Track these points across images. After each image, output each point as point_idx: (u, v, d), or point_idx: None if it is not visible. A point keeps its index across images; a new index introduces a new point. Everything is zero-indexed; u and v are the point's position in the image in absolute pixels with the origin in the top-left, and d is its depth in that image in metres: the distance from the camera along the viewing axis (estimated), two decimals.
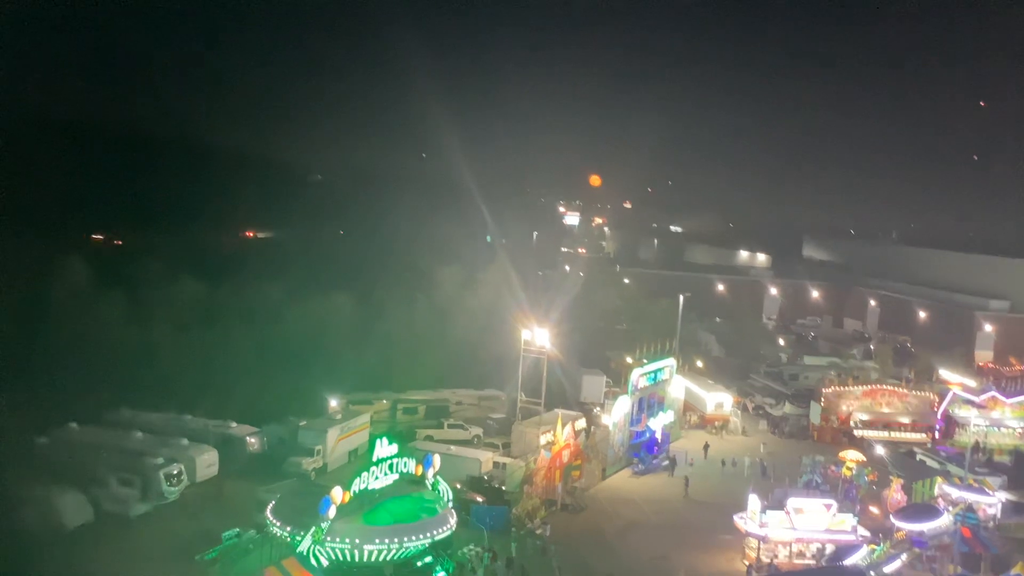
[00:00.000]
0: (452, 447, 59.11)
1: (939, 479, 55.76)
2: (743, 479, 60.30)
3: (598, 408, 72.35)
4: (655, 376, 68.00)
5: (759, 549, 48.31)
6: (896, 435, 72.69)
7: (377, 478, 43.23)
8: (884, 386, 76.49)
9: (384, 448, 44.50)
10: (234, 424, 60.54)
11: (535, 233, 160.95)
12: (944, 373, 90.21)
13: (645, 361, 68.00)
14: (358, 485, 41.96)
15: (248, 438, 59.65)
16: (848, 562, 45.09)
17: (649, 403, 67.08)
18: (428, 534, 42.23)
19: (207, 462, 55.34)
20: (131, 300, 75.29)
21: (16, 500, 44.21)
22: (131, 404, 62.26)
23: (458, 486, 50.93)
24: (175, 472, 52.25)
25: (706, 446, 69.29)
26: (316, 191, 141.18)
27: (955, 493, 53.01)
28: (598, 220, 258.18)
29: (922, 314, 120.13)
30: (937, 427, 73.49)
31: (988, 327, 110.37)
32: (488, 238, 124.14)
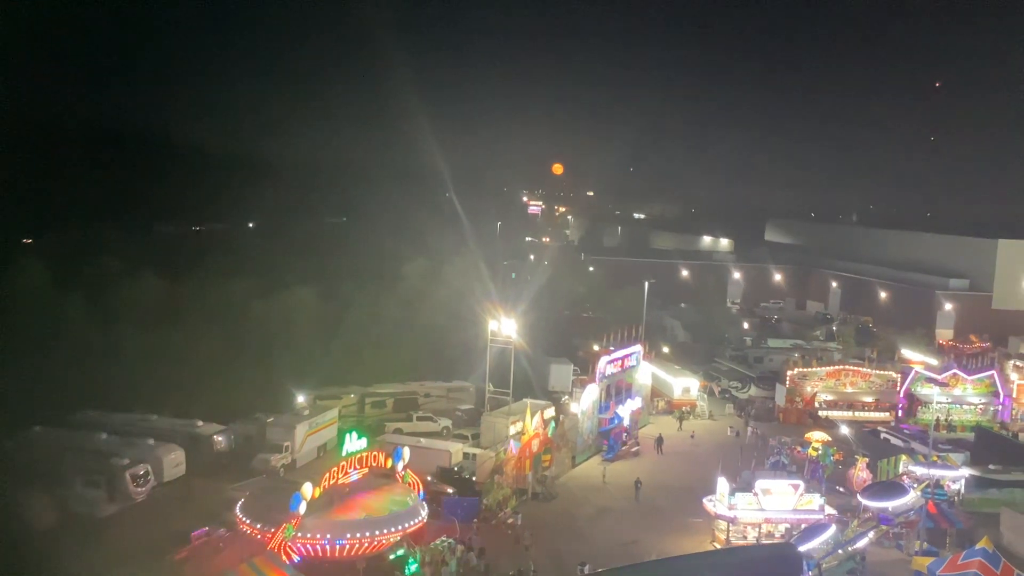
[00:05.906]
0: (421, 439, 58.87)
1: (903, 457, 56.62)
2: (733, 451, 61.80)
3: (566, 396, 72.47)
4: (622, 363, 68.32)
5: (728, 531, 48.82)
6: (860, 414, 73.78)
7: (347, 473, 43.16)
8: (847, 366, 77.51)
9: (353, 442, 44.48)
10: (200, 422, 59.74)
11: (499, 223, 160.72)
12: (906, 352, 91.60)
13: (612, 348, 68.29)
14: (328, 480, 41.86)
15: (215, 436, 58.91)
16: (817, 541, 45.54)
17: (617, 390, 67.42)
18: (400, 527, 42.22)
19: (174, 461, 54.71)
20: (92, 298, 74.05)
21: None
22: (95, 405, 61.28)
23: (428, 478, 50.95)
24: (141, 472, 51.60)
25: (679, 417, 73.32)
26: (281, 184, 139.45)
27: (919, 470, 53.87)
28: (561, 209, 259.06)
29: (883, 294, 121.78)
30: (900, 406, 74.61)
31: (948, 306, 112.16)
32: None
